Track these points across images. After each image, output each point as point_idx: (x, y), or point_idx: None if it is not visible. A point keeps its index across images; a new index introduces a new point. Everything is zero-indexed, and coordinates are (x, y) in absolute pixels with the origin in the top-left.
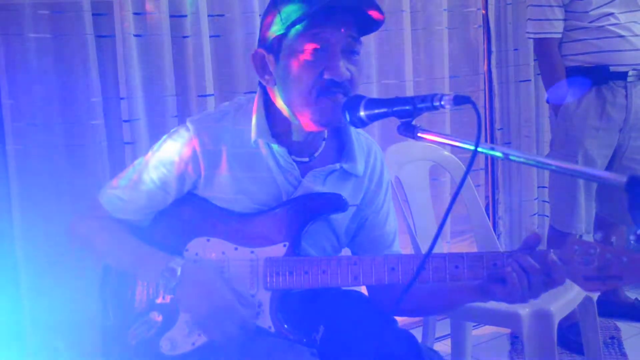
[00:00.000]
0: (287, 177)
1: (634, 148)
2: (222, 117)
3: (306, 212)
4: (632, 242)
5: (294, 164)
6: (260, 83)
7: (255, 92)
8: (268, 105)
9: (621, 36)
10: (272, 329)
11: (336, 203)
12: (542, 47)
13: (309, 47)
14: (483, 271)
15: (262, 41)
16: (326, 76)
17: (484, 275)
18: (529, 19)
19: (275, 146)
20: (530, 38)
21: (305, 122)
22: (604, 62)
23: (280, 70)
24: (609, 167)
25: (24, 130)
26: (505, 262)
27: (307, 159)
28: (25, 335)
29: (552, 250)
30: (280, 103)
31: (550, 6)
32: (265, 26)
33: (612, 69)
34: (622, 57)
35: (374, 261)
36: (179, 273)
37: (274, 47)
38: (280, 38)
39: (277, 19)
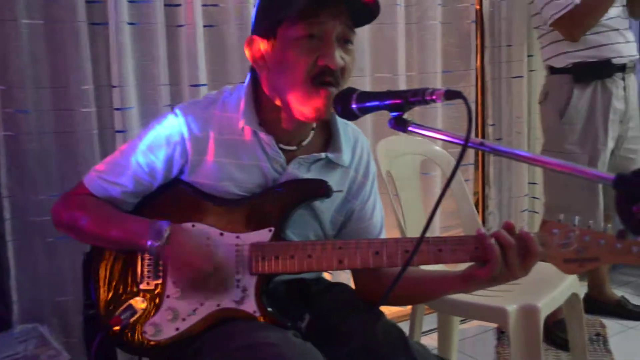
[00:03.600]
0: (273, 165)
1: (632, 138)
2: (210, 104)
3: (291, 196)
4: (608, 228)
5: (280, 152)
6: (250, 72)
7: (243, 82)
8: (258, 93)
9: (615, 29)
10: (257, 313)
11: (320, 188)
12: (572, 17)
13: (305, 34)
14: (466, 255)
15: (257, 27)
16: (320, 62)
17: (467, 259)
18: (544, 5)
19: (262, 134)
20: (556, 19)
21: (296, 110)
22: (606, 55)
23: (275, 57)
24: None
25: (14, 116)
26: (485, 242)
27: (294, 148)
28: (12, 321)
29: (531, 232)
30: (271, 91)
31: None
32: (260, 11)
33: (614, 61)
34: (620, 49)
35: (359, 245)
36: (166, 234)
37: (269, 33)
38: (276, 24)
39: (274, 5)
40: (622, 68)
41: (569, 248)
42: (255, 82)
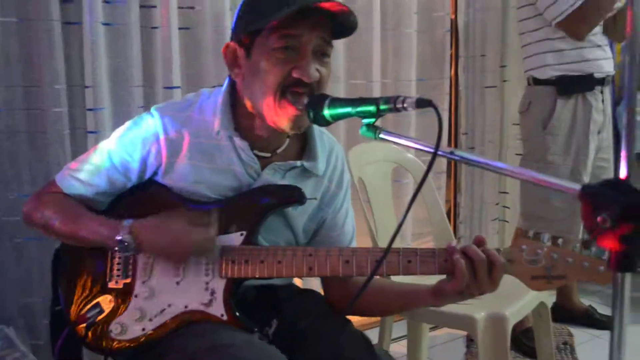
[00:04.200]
0: (248, 170)
1: (605, 148)
2: (188, 107)
3: (264, 201)
4: (577, 247)
5: (255, 157)
6: (228, 77)
7: (221, 86)
8: (234, 99)
9: (598, 45)
10: (224, 317)
11: (294, 195)
12: (578, 16)
13: (281, 45)
14: (434, 267)
15: (235, 34)
16: (295, 74)
17: (435, 271)
18: (548, 5)
19: (237, 139)
20: (563, 18)
21: (269, 119)
22: (589, 70)
23: (251, 65)
24: None
25: None
26: (452, 257)
27: (269, 155)
28: None
29: (500, 249)
30: (246, 98)
31: None
32: (239, 20)
33: (595, 75)
34: (602, 64)
35: (329, 253)
36: (131, 238)
37: (247, 42)
38: (254, 33)
39: (253, 15)
40: (602, 82)
41: (537, 265)
42: (232, 87)
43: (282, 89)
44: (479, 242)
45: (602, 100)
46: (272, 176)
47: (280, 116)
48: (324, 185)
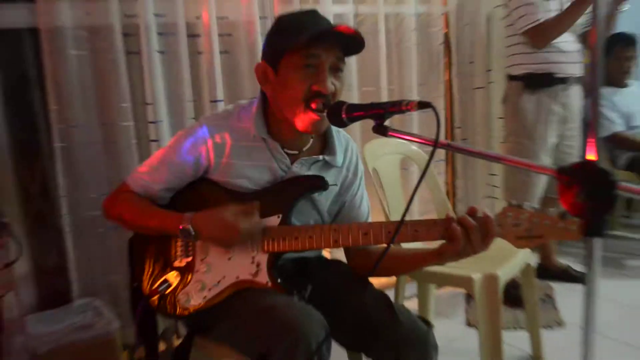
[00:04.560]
0: (280, 165)
1: (571, 137)
2: (229, 116)
3: (294, 189)
4: (552, 213)
5: (285, 155)
6: (261, 89)
7: (255, 98)
8: (266, 107)
9: (562, 51)
10: (269, 284)
11: (318, 182)
12: (538, 30)
13: (303, 63)
14: (436, 234)
15: (265, 55)
16: (314, 88)
17: (438, 237)
18: (519, 17)
19: (270, 140)
20: (524, 31)
21: (296, 124)
22: (550, 70)
23: (278, 80)
24: (553, 152)
25: (66, 131)
26: (451, 225)
27: (297, 152)
28: (72, 296)
29: (489, 215)
30: (276, 107)
31: (534, 3)
32: (268, 43)
33: (556, 75)
34: (563, 67)
35: (351, 228)
36: (192, 228)
37: (275, 61)
38: (281, 54)
39: (280, 39)
40: (564, 80)
41: (520, 227)
42: (264, 98)
43: (305, 101)
44: (471, 212)
45: (565, 96)
46: (299, 169)
47: (304, 121)
48: (342, 174)
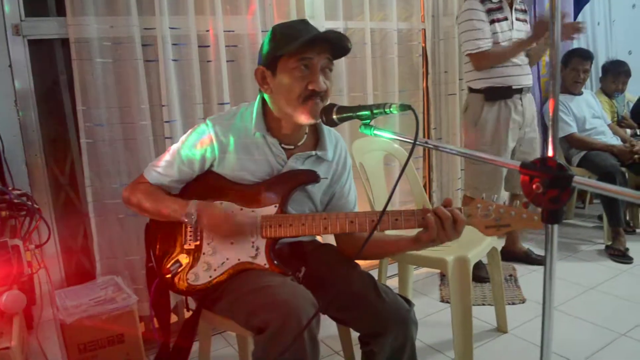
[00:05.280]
0: (277, 159)
1: (527, 140)
2: (231, 116)
3: (290, 181)
4: (517, 205)
5: (282, 150)
6: (260, 91)
7: (255, 100)
8: (265, 107)
9: (518, 65)
10: (267, 266)
11: (312, 176)
12: (479, 57)
13: (298, 65)
14: (414, 223)
15: (263, 60)
16: (310, 87)
17: (415, 226)
18: (465, 41)
19: (269, 137)
20: (468, 54)
21: (294, 119)
22: (508, 83)
23: (276, 82)
24: (512, 155)
25: (92, 129)
26: (426, 215)
27: (292, 147)
28: (96, 274)
29: (461, 207)
30: (274, 106)
31: (480, 29)
32: (265, 49)
33: (514, 87)
34: (519, 79)
35: (338, 216)
36: (195, 214)
37: (272, 65)
38: (277, 58)
39: (276, 44)
40: (520, 91)
41: (489, 218)
42: (263, 100)
43: (302, 98)
44: (447, 204)
45: (522, 105)
46: (295, 163)
47: (304, 113)
48: (332, 168)
